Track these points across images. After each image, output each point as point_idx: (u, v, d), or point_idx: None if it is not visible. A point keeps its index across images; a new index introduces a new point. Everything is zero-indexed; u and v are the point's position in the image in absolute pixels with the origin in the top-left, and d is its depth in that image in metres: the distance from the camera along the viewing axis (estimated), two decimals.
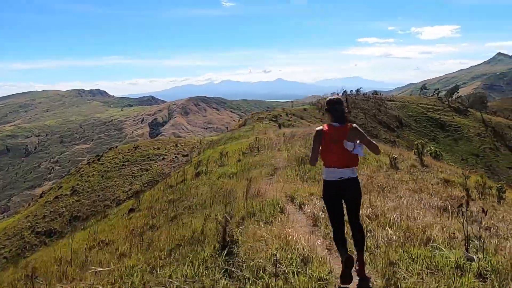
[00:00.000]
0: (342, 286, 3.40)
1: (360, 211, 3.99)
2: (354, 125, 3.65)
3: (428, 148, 13.90)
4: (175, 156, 27.44)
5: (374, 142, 3.69)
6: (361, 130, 3.65)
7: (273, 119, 38.86)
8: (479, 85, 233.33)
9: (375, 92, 72.49)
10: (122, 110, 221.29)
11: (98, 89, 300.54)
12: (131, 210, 8.38)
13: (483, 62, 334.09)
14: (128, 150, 29.67)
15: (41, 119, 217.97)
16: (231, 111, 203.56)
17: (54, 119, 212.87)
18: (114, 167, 26.21)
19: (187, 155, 25.48)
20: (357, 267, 3.62)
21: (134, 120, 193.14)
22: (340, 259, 3.61)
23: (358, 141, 3.61)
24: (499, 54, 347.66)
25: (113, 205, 18.38)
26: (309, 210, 5.83)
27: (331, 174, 3.64)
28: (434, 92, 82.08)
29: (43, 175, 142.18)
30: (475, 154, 54.16)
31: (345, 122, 3.68)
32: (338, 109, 3.69)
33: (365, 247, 3.83)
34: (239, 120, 67.21)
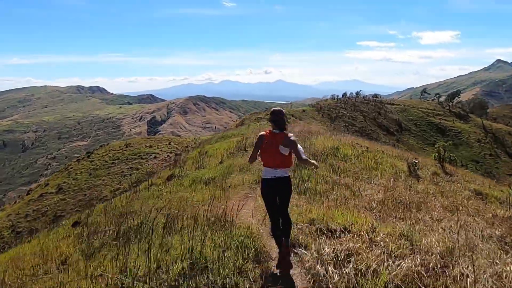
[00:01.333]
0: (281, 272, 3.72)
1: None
2: (291, 134, 4.18)
3: (447, 154, 12.05)
4: (168, 155, 26.44)
5: (305, 157, 4.17)
6: (296, 142, 4.15)
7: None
8: (478, 91, 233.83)
9: (375, 95, 71.85)
10: (120, 107, 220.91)
11: (97, 86, 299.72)
12: (76, 224, 6.89)
13: (482, 68, 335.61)
14: (119, 147, 28.63)
15: (39, 114, 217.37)
16: (230, 111, 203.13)
17: (52, 115, 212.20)
18: (104, 165, 25.22)
19: (180, 154, 24.54)
20: (282, 248, 3.91)
21: (132, 118, 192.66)
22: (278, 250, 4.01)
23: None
24: (499, 61, 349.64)
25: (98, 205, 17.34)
26: (314, 263, 3.72)
27: (267, 173, 4.16)
28: (435, 96, 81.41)
29: (40, 171, 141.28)
30: (475, 160, 53.38)
31: (284, 130, 4.19)
32: (278, 118, 4.19)
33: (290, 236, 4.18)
34: (236, 120, 66.27)
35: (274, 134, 4.18)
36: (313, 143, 11.01)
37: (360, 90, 70.39)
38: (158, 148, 28.24)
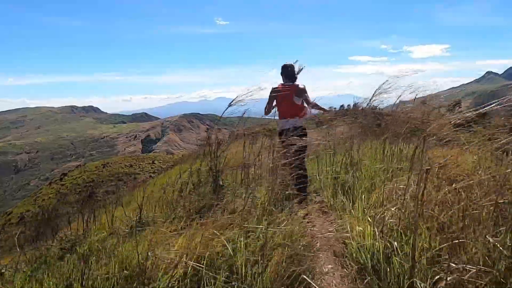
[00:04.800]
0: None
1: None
2: (302, 85, 4.50)
3: None
4: (150, 176, 23.34)
5: (318, 105, 4.65)
6: (306, 89, 4.51)
7: (267, 133, 35.68)
8: (470, 103, 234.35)
9: (374, 107, 69.86)
10: (114, 126, 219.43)
11: (91, 106, 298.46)
12: None
13: (473, 80, 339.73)
14: (96, 168, 25.41)
15: (32, 135, 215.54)
16: (225, 128, 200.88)
17: (46, 135, 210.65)
18: (75, 189, 22.03)
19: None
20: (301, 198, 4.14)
21: (126, 137, 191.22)
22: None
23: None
24: (489, 72, 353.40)
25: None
26: None
27: (283, 124, 4.47)
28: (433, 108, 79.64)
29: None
30: None
31: (295, 81, 4.56)
32: (289, 71, 4.55)
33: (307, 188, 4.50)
34: (229, 136, 63.47)
35: (287, 85, 4.47)
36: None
37: (358, 102, 68.27)
38: (139, 167, 25.16)
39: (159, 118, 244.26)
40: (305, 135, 4.34)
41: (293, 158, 3.69)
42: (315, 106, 4.54)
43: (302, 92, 4.39)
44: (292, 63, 4.55)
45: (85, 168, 26.31)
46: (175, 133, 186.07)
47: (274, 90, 4.43)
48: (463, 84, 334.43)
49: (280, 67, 4.59)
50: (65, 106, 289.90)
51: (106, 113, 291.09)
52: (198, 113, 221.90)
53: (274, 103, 4.51)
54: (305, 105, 4.45)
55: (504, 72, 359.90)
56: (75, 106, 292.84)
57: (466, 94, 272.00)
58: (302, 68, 4.61)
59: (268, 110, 4.54)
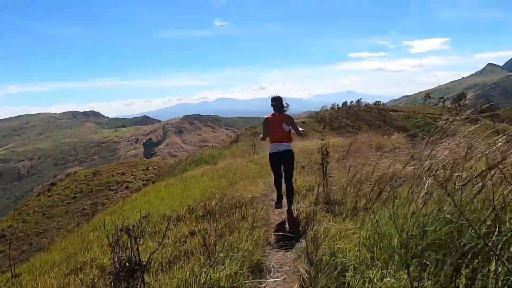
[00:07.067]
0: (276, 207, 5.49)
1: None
2: (289, 115, 5.46)
3: None
4: (144, 184, 21.67)
5: (299, 129, 5.49)
6: (293, 118, 5.48)
7: None
8: (472, 95, 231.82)
9: (377, 102, 68.18)
10: (116, 131, 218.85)
11: (92, 111, 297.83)
12: None
13: (474, 73, 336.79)
14: (86, 176, 23.74)
15: (34, 142, 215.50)
16: (226, 129, 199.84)
17: (47, 142, 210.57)
18: (62, 201, 20.38)
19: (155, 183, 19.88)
20: (287, 208, 5.36)
21: (128, 141, 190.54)
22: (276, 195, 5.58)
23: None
24: (490, 64, 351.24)
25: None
26: None
27: (274, 147, 5.33)
28: (439, 101, 77.86)
29: None
30: None
31: (282, 112, 5.43)
32: (277, 104, 5.41)
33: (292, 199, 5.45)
34: (231, 136, 61.94)
35: (277, 116, 5.39)
36: None
37: (361, 98, 66.78)
38: (132, 175, 23.50)
39: (160, 121, 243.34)
40: (292, 156, 5.38)
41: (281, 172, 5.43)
42: (301, 133, 5.53)
43: (290, 120, 5.35)
44: (280, 96, 5.45)
45: (75, 177, 24.67)
46: (177, 135, 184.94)
47: (266, 120, 5.45)
48: (464, 77, 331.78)
49: (271, 99, 5.50)
50: (66, 112, 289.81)
51: (107, 117, 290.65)
52: (199, 115, 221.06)
53: (267, 130, 5.45)
54: (292, 131, 5.36)
55: (505, 63, 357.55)
56: (76, 111, 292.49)
57: (468, 86, 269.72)
58: (288, 105, 5.53)
59: (264, 136, 5.52)
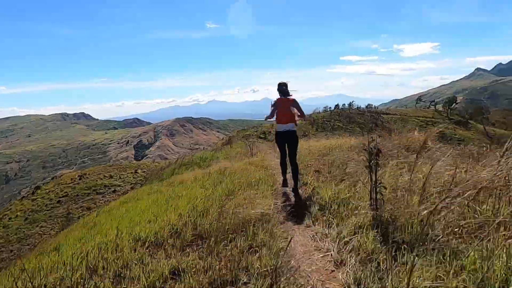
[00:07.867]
0: (283, 188, 6.15)
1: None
2: (294, 97, 6.13)
3: None
4: (132, 187, 20.95)
5: (304, 113, 6.30)
6: (298, 103, 6.13)
7: (262, 135, 34.13)
8: (461, 99, 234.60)
9: (369, 106, 68.35)
10: (106, 133, 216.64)
11: (83, 113, 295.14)
12: None
13: (463, 77, 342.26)
14: (71, 180, 22.86)
15: (22, 144, 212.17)
16: (217, 131, 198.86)
17: (36, 144, 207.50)
18: (46, 206, 19.53)
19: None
20: (293, 187, 5.96)
21: (118, 143, 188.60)
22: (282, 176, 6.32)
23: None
24: (478, 69, 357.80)
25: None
26: None
27: (280, 128, 6.01)
28: (430, 104, 78.28)
29: None
30: None
31: (288, 95, 6.13)
32: (283, 88, 6.12)
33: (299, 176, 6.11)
34: (223, 139, 61.31)
35: (283, 99, 6.08)
36: None
37: (353, 101, 66.71)
38: (120, 178, 22.72)
39: (151, 123, 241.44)
40: (296, 137, 6.12)
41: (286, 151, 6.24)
42: (305, 116, 6.30)
43: (295, 103, 6.04)
44: (286, 82, 6.15)
45: (60, 180, 23.79)
46: (168, 138, 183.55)
47: (275, 101, 6.11)
48: (453, 81, 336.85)
49: (277, 84, 6.21)
50: (56, 114, 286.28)
51: (97, 119, 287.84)
52: (191, 117, 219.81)
53: (275, 111, 6.07)
54: (297, 112, 6.01)
55: (493, 68, 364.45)
56: (66, 113, 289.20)
57: (457, 90, 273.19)
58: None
59: (270, 116, 6.11)
